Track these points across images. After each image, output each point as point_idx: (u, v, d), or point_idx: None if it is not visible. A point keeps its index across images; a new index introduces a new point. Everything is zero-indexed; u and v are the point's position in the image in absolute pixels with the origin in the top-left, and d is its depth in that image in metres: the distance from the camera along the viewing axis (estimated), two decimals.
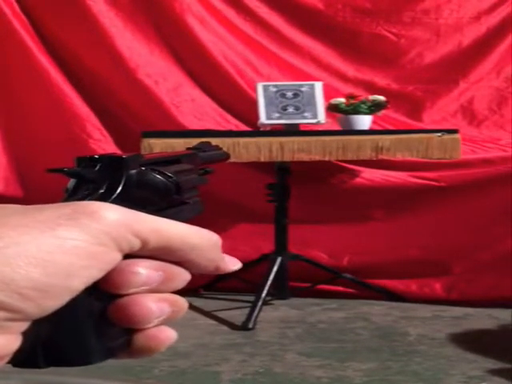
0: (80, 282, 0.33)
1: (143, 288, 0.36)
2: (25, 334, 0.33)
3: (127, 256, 0.36)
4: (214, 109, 3.65)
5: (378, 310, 3.21)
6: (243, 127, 3.57)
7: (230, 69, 3.62)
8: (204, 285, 3.47)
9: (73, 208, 0.35)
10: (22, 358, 0.34)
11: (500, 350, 2.63)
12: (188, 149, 0.57)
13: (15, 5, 3.53)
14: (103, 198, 0.42)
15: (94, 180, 0.43)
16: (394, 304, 3.30)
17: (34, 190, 3.40)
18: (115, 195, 0.43)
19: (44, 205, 0.35)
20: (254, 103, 3.32)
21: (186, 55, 3.67)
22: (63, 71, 3.57)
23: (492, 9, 3.74)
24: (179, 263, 0.38)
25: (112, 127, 3.56)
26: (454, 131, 3.12)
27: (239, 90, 3.60)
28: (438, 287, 3.36)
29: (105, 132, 3.56)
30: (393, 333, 2.85)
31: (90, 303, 0.35)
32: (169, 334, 0.38)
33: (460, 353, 2.60)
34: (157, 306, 0.37)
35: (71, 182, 0.44)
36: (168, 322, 0.38)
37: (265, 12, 3.75)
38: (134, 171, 0.44)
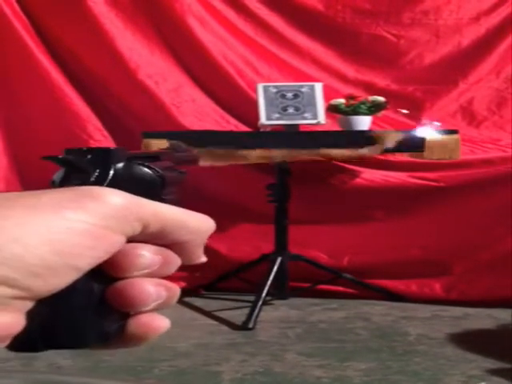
0: (86, 262, 0.35)
1: (145, 271, 0.37)
2: (27, 316, 0.34)
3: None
4: (215, 109, 3.65)
5: (378, 310, 3.21)
6: (243, 128, 3.57)
7: (231, 69, 3.63)
8: (204, 285, 3.47)
9: (77, 192, 0.36)
10: (20, 342, 0.35)
11: (500, 350, 2.63)
12: (162, 149, 0.58)
13: (16, 5, 3.53)
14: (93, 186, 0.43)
15: (84, 169, 0.44)
16: (394, 304, 3.30)
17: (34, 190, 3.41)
18: (105, 184, 0.44)
19: (47, 189, 0.36)
20: (254, 104, 3.32)
21: (187, 56, 3.67)
22: (64, 72, 3.58)
23: (491, 9, 3.75)
24: (171, 248, 0.39)
25: (112, 128, 3.57)
26: (454, 132, 3.12)
27: (239, 90, 3.60)
28: (437, 287, 3.37)
29: (105, 132, 3.56)
30: (393, 333, 2.86)
31: (89, 286, 0.36)
32: (161, 323, 0.39)
33: (459, 353, 2.60)
34: (155, 290, 0.38)
35: (57, 175, 0.45)
36: (162, 307, 0.38)
37: (265, 13, 3.75)
38: (121, 163, 0.46)
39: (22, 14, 3.55)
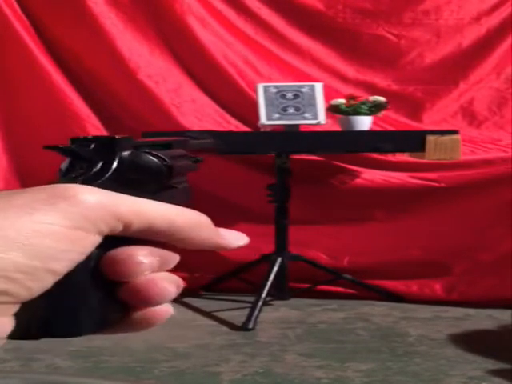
0: (61, 265, 0.34)
1: (146, 273, 0.37)
2: (17, 314, 0.34)
3: (109, 237, 0.36)
4: (215, 109, 3.65)
5: (378, 311, 3.21)
6: (243, 128, 3.57)
7: (231, 69, 3.63)
8: (204, 285, 3.47)
9: (50, 192, 0.35)
10: (17, 331, 0.35)
11: (500, 350, 2.63)
12: (179, 136, 0.57)
13: (16, 5, 3.53)
14: (97, 176, 0.43)
15: (88, 158, 0.43)
16: (394, 305, 3.30)
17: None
18: (109, 174, 0.43)
19: (21, 189, 0.36)
20: (254, 104, 3.32)
21: (187, 56, 3.67)
22: (64, 72, 3.58)
23: (492, 10, 3.74)
24: (167, 244, 0.38)
25: (112, 128, 3.56)
26: (454, 132, 3.12)
27: (240, 90, 3.60)
28: (438, 288, 3.36)
29: (105, 133, 3.56)
30: (393, 333, 2.86)
31: (89, 285, 0.36)
32: (166, 309, 0.39)
33: (460, 353, 2.60)
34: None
35: (64, 163, 0.44)
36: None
37: (265, 13, 3.75)
38: (127, 152, 0.45)
39: (21, 14, 3.55)
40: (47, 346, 2.55)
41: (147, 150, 0.46)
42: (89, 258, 0.36)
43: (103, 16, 3.57)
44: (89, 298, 0.36)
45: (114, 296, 0.37)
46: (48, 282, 0.34)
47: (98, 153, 0.44)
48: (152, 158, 0.46)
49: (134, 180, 0.45)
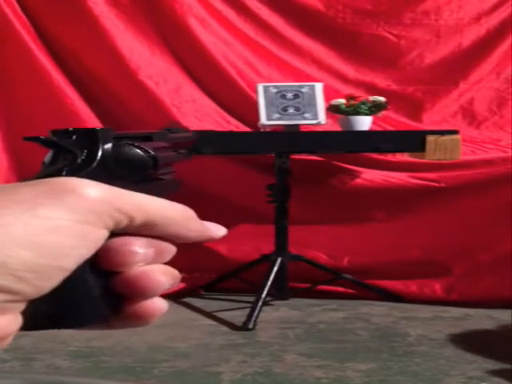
0: (71, 261, 0.33)
1: (140, 264, 0.37)
2: (24, 311, 0.34)
3: (112, 233, 0.36)
4: (215, 110, 3.65)
5: (378, 311, 3.21)
6: (244, 128, 3.57)
7: (231, 70, 3.63)
8: (204, 285, 3.47)
9: (50, 185, 0.34)
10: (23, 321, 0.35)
11: (500, 350, 2.63)
12: (158, 129, 0.57)
13: (16, 5, 3.53)
14: (81, 167, 0.42)
15: (70, 150, 0.43)
16: (394, 305, 3.30)
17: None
18: (94, 165, 0.43)
19: (17, 183, 0.35)
20: (254, 104, 3.32)
21: (187, 56, 3.67)
22: (64, 72, 3.58)
23: (492, 10, 3.74)
24: (161, 237, 0.38)
25: (112, 128, 3.56)
26: (455, 132, 3.12)
27: (240, 90, 3.60)
28: (437, 288, 3.36)
29: None
30: (393, 333, 2.86)
31: (86, 276, 0.36)
32: (160, 304, 0.38)
33: (460, 353, 2.60)
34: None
35: (48, 156, 0.44)
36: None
37: (265, 13, 3.75)
38: (109, 144, 0.44)
39: (22, 14, 3.55)
40: (47, 346, 2.55)
41: (130, 142, 0.46)
42: None
43: (103, 16, 3.57)
44: (87, 288, 0.36)
45: (110, 287, 0.37)
46: (57, 279, 0.33)
47: (81, 144, 0.43)
48: (135, 149, 0.46)
49: (118, 171, 0.44)
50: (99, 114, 3.58)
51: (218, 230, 0.41)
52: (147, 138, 0.49)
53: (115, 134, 0.46)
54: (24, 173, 3.54)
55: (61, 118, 3.54)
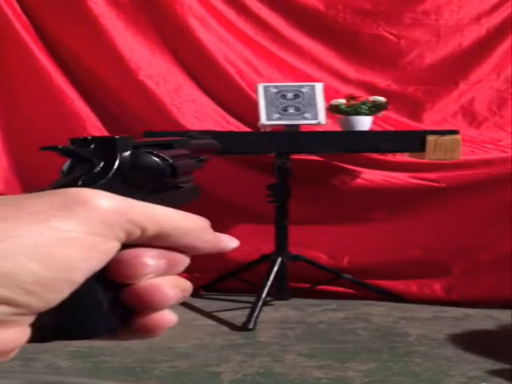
0: (80, 274, 0.33)
1: (150, 276, 0.36)
2: (33, 323, 0.33)
3: (124, 245, 0.35)
4: (215, 110, 3.65)
5: (378, 311, 3.21)
6: (244, 128, 3.57)
7: (231, 70, 3.63)
8: (204, 285, 3.47)
9: (62, 197, 0.34)
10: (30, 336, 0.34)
11: (500, 350, 2.63)
12: (180, 136, 0.57)
13: (16, 5, 3.53)
14: (98, 177, 0.42)
15: (88, 159, 0.43)
16: (394, 305, 3.30)
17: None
18: (110, 174, 0.42)
19: (29, 194, 0.34)
20: (254, 104, 3.32)
21: (187, 56, 3.67)
22: (64, 72, 3.58)
23: (492, 10, 3.74)
24: (175, 248, 0.38)
25: (113, 128, 3.56)
26: (455, 132, 3.12)
27: (240, 90, 3.60)
28: (437, 288, 3.36)
29: (105, 133, 3.56)
30: (393, 333, 2.86)
31: (96, 288, 0.36)
32: (170, 317, 0.38)
33: (460, 353, 2.60)
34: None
35: (66, 164, 0.44)
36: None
37: (265, 13, 3.75)
38: (128, 152, 0.44)
39: (22, 13, 3.55)
40: (47, 346, 2.55)
41: (148, 150, 0.45)
42: None
43: (104, 16, 3.57)
44: (97, 300, 0.36)
45: (119, 300, 0.36)
46: (66, 292, 0.33)
47: (99, 153, 0.43)
48: (153, 157, 0.45)
49: (135, 180, 0.44)
50: (99, 114, 3.58)
51: (230, 242, 0.41)
52: (168, 146, 0.49)
53: (135, 143, 0.45)
54: (24, 172, 3.54)
55: (61, 118, 3.54)
